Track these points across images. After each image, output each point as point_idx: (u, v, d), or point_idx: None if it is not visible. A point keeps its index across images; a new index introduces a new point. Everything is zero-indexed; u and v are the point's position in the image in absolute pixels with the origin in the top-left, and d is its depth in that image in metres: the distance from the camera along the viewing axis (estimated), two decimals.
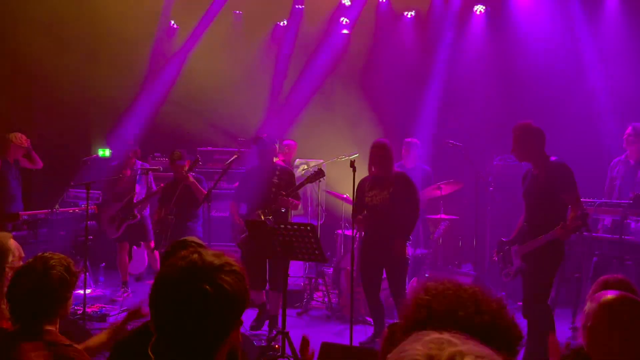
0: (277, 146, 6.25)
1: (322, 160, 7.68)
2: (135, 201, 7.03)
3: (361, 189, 5.63)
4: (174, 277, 1.46)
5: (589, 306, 2.06)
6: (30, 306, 2.33)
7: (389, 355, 1.03)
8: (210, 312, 1.42)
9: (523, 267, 4.78)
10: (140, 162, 7.41)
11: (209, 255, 1.48)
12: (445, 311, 1.31)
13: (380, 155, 5.57)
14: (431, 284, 1.41)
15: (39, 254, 2.50)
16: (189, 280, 1.43)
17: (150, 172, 7.27)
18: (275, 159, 6.12)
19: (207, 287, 1.42)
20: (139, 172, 7.17)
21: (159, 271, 1.55)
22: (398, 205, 5.49)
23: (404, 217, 5.53)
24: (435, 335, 1.00)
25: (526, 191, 4.87)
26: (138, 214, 7.03)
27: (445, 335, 1.00)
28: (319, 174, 5.58)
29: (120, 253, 7.22)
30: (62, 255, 2.53)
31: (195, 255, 1.48)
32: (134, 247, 7.63)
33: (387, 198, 5.50)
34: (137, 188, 7.12)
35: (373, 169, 5.64)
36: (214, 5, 9.29)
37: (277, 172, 5.99)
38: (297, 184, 5.91)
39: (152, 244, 7.03)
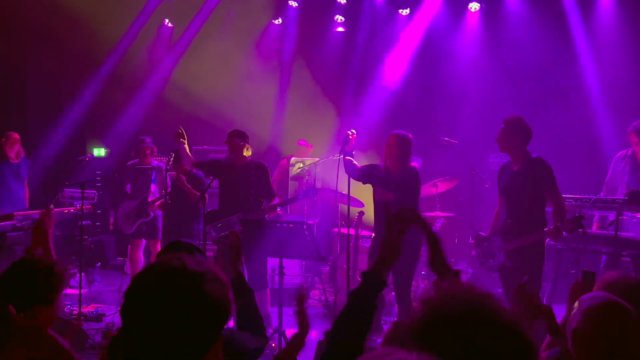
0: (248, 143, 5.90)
1: (317, 158, 7.68)
2: (150, 200, 7.03)
3: (372, 168, 5.42)
4: (151, 283, 1.33)
5: (575, 308, 2.03)
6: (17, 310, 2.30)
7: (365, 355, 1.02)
8: (190, 322, 1.30)
9: (507, 263, 4.78)
10: (157, 161, 7.33)
11: (191, 262, 1.37)
12: (455, 317, 1.26)
13: (393, 146, 5.24)
14: (444, 287, 1.38)
15: (23, 256, 2.49)
16: (168, 287, 1.31)
17: (167, 171, 7.18)
18: (247, 154, 5.85)
19: (189, 294, 1.31)
20: (154, 172, 7.13)
21: (135, 277, 1.39)
22: (405, 202, 5.20)
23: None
24: (404, 355, 0.99)
25: (506, 187, 4.87)
26: (151, 213, 7.02)
27: (414, 356, 0.98)
28: (310, 191, 5.61)
29: (133, 250, 7.20)
30: (47, 257, 2.51)
31: (176, 261, 1.37)
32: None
33: (396, 194, 5.21)
34: (152, 187, 7.08)
35: (386, 163, 5.32)
36: (208, 3, 9.26)
37: (253, 171, 5.78)
38: (290, 180, 5.87)
39: (159, 244, 7.00)
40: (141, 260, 7.25)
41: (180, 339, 1.29)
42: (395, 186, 5.21)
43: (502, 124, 4.81)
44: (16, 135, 7.16)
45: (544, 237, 4.61)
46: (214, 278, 1.36)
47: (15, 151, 7.13)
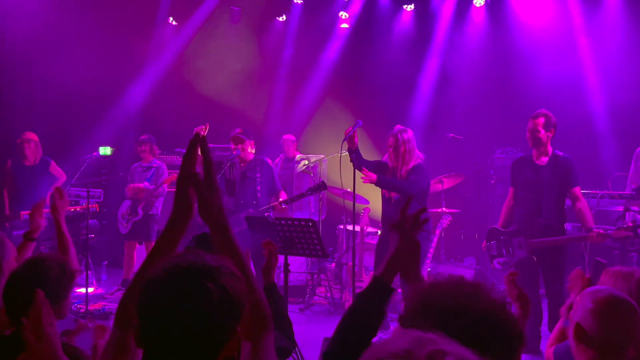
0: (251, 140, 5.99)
1: (322, 155, 7.67)
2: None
3: (381, 162, 5.47)
4: (171, 275, 1.34)
5: (581, 300, 2.02)
6: (27, 308, 2.31)
7: (370, 348, 1.02)
8: (211, 314, 1.31)
9: (532, 260, 4.74)
10: (159, 161, 7.29)
11: (207, 257, 1.38)
12: (444, 303, 1.30)
13: (393, 145, 5.26)
14: (434, 278, 1.39)
15: (35, 255, 2.50)
16: (190, 279, 1.32)
17: (163, 170, 7.16)
18: (251, 151, 5.91)
19: (211, 285, 1.32)
20: (152, 171, 7.08)
21: (152, 273, 1.38)
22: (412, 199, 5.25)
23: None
24: (419, 333, 0.99)
25: (530, 180, 4.84)
26: (141, 212, 6.99)
27: (430, 335, 0.99)
28: (321, 186, 5.55)
29: (126, 250, 7.16)
30: (58, 256, 2.52)
31: (192, 256, 1.38)
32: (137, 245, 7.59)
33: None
34: (146, 184, 7.03)
35: (391, 162, 5.33)
36: (211, 1, 9.26)
37: (258, 167, 5.82)
38: (294, 177, 5.86)
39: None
40: (134, 262, 7.16)
41: (202, 329, 1.31)
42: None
43: (531, 120, 4.82)
44: (29, 136, 7.02)
45: (586, 240, 4.71)
46: (230, 272, 1.38)
47: (32, 152, 7.05)
